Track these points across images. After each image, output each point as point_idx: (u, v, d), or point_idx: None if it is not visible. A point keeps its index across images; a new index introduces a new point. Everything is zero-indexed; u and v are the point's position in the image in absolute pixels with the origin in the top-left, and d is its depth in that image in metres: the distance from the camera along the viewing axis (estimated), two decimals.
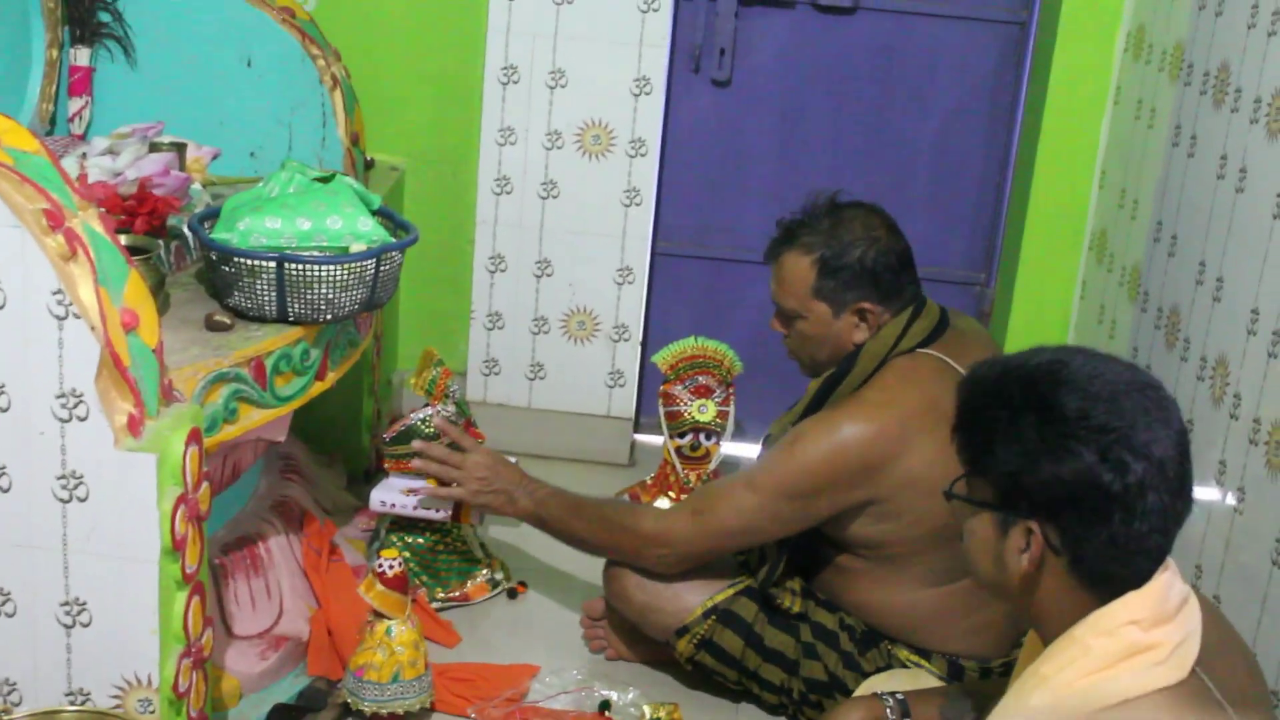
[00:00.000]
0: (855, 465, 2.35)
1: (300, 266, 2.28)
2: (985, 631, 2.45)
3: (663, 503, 3.26)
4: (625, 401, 3.63)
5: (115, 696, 1.99)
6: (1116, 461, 1.48)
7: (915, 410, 2.35)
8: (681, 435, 3.31)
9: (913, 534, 2.39)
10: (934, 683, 2.36)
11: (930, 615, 2.44)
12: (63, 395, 1.88)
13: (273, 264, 2.27)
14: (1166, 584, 1.52)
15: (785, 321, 2.54)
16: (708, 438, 3.30)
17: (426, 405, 2.83)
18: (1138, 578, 1.52)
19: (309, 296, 2.30)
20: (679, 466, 3.30)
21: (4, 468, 1.92)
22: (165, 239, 2.44)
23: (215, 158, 2.83)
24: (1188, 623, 1.52)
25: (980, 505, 1.60)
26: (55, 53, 3.01)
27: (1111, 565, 1.52)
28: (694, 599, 2.54)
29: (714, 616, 2.51)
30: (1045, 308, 3.51)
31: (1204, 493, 2.44)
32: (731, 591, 2.54)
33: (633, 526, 2.54)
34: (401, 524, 2.87)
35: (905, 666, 2.44)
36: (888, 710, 2.13)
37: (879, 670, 2.44)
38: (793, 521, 2.44)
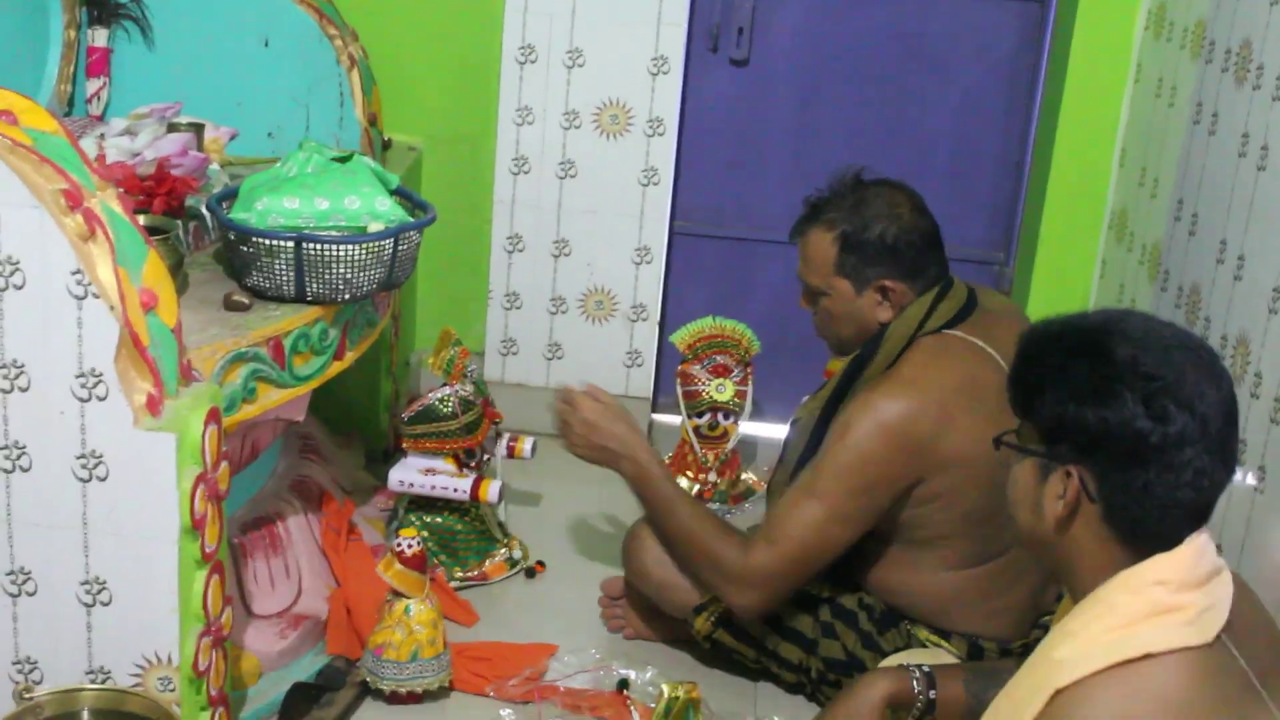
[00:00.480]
0: (903, 442, 2.32)
1: (318, 246, 2.28)
2: (1006, 614, 2.44)
3: (680, 483, 3.25)
4: (643, 381, 3.62)
5: (135, 675, 2.00)
6: (1159, 410, 1.50)
7: (951, 388, 2.34)
8: (699, 415, 3.30)
9: (945, 517, 2.38)
10: (954, 661, 2.36)
11: (953, 598, 2.43)
12: (82, 375, 1.88)
13: (291, 244, 2.27)
14: (1199, 550, 1.53)
15: (811, 299, 2.53)
16: (725, 417, 3.30)
17: (444, 385, 2.83)
18: (1169, 536, 1.53)
19: (327, 276, 2.30)
20: (697, 446, 3.30)
21: (24, 447, 1.93)
22: (183, 219, 2.44)
23: (233, 138, 2.83)
24: (1216, 591, 1.53)
25: (1025, 451, 1.62)
26: (73, 33, 3.01)
27: (1144, 517, 1.53)
28: None
29: None
30: (1065, 287, 3.49)
31: None
32: None
33: (719, 562, 2.43)
34: (420, 503, 2.87)
35: (924, 646, 2.44)
36: (914, 681, 2.14)
37: (898, 650, 2.44)
38: (859, 520, 2.38)
